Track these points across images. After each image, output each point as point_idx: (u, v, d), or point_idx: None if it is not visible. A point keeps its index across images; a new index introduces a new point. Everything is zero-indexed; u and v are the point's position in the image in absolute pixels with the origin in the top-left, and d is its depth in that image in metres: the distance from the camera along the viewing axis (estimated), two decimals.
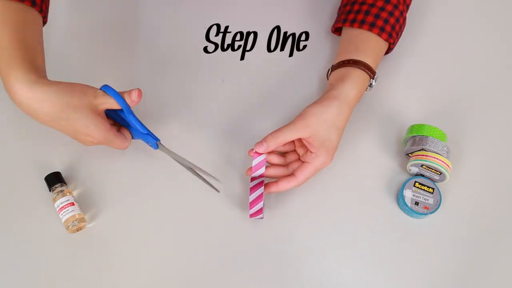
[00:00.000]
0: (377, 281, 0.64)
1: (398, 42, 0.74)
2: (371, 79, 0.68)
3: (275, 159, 0.67)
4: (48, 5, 0.66)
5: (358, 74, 0.66)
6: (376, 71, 0.68)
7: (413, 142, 0.67)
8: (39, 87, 0.56)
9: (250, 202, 0.63)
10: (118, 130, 0.65)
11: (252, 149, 0.64)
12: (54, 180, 0.66)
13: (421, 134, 0.66)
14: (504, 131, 0.73)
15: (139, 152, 0.70)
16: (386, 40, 0.69)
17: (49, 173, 0.67)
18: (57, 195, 0.65)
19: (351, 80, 0.65)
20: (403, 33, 0.73)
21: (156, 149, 0.66)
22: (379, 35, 0.68)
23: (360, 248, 0.65)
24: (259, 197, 0.62)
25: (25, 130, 0.72)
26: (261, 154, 0.64)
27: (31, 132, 0.72)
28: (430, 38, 0.80)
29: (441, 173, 0.65)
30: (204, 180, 0.65)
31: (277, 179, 0.65)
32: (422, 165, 0.66)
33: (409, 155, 0.69)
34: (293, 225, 0.66)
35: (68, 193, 0.66)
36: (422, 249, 0.65)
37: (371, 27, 0.68)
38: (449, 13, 0.82)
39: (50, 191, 0.66)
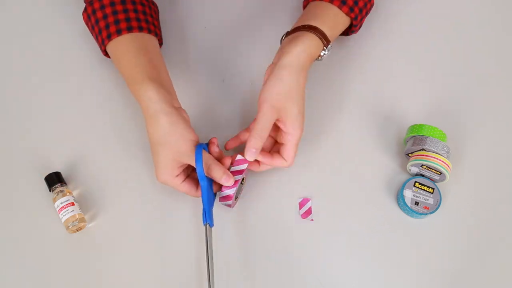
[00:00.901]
0: (377, 281, 0.64)
1: (398, 43, 0.73)
2: (324, 48, 0.65)
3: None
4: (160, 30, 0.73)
5: (310, 38, 0.64)
6: (331, 41, 0.66)
7: (413, 142, 0.67)
8: (175, 109, 0.61)
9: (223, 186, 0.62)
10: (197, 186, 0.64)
11: (228, 143, 0.66)
12: (54, 180, 0.66)
13: (421, 134, 0.66)
14: (504, 131, 0.73)
15: (138, 152, 0.70)
16: (346, 14, 0.67)
17: (49, 173, 0.67)
18: (57, 195, 0.65)
19: (302, 43, 0.63)
20: (403, 33, 0.73)
21: (203, 224, 0.62)
22: (340, 7, 0.67)
23: (360, 248, 0.65)
24: (234, 184, 0.62)
25: (25, 130, 0.72)
26: (245, 162, 0.63)
27: (31, 132, 0.72)
28: (430, 38, 0.80)
29: (441, 173, 0.65)
30: (209, 281, 0.59)
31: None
32: (422, 165, 0.66)
33: (409, 155, 0.69)
34: (292, 225, 0.66)
35: (68, 193, 0.66)
36: (422, 249, 0.65)
37: None
38: (449, 13, 0.82)
39: (50, 191, 0.66)
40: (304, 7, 0.73)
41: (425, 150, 0.66)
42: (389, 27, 0.80)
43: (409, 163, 0.67)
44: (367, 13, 0.72)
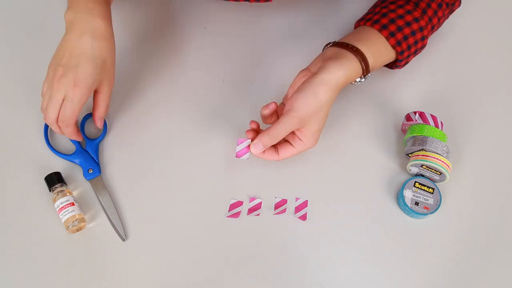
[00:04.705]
0: (377, 281, 0.64)
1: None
2: (362, 76, 0.65)
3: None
4: None
5: (354, 63, 0.64)
6: (370, 71, 0.66)
7: (413, 142, 0.67)
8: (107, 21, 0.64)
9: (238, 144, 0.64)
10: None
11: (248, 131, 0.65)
12: (54, 180, 0.66)
13: (421, 134, 0.67)
14: (504, 131, 0.73)
15: (138, 153, 0.70)
16: (393, 46, 0.67)
17: (49, 173, 0.67)
18: (57, 195, 0.65)
19: (347, 66, 0.63)
20: None
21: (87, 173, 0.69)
22: (387, 39, 0.67)
23: (360, 248, 0.65)
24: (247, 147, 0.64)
25: (25, 130, 0.72)
26: (245, 140, 0.64)
27: (31, 132, 0.72)
28: (430, 39, 0.80)
29: (441, 173, 0.65)
30: (112, 224, 0.66)
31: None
32: (422, 165, 0.66)
33: (409, 155, 0.69)
34: (292, 225, 0.66)
35: (68, 193, 0.66)
36: (422, 249, 0.65)
37: (382, 28, 0.67)
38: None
39: (50, 191, 0.66)
40: (355, 27, 0.72)
41: (425, 150, 0.66)
42: None
43: (409, 163, 0.67)
44: (416, 52, 0.70)
